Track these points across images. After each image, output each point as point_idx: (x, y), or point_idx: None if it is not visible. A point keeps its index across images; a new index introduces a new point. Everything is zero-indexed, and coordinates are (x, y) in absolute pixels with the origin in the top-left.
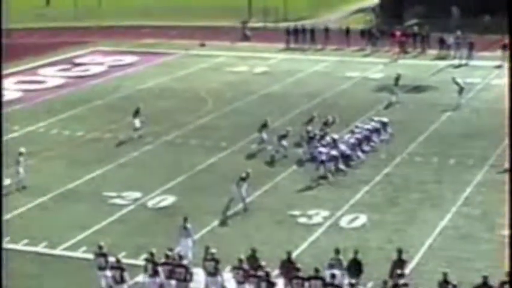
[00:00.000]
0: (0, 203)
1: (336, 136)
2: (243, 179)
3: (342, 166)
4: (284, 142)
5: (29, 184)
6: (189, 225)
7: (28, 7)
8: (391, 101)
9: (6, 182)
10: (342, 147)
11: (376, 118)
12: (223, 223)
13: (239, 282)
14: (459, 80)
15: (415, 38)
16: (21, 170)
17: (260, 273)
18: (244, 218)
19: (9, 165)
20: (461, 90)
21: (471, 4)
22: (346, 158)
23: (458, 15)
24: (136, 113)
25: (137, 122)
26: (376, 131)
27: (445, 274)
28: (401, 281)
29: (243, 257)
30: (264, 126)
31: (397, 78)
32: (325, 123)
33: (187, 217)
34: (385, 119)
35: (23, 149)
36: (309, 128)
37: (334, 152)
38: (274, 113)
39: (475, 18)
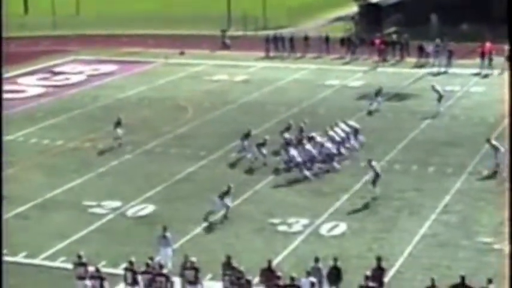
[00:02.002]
0: (0, 204)
1: (313, 134)
2: (226, 193)
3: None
4: (263, 150)
5: (8, 194)
6: (168, 234)
7: (5, 15)
8: (370, 109)
9: None
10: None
11: (350, 122)
12: (203, 232)
13: None
14: (438, 88)
15: (394, 46)
16: None
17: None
18: (224, 226)
19: None
20: (440, 98)
21: (450, 12)
22: (328, 157)
23: (437, 24)
24: (118, 124)
25: (119, 132)
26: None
27: (433, 280)
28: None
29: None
30: (247, 135)
31: (379, 91)
32: (301, 130)
33: (167, 226)
34: (357, 125)
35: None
36: (286, 135)
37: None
38: (254, 121)
39: (453, 26)
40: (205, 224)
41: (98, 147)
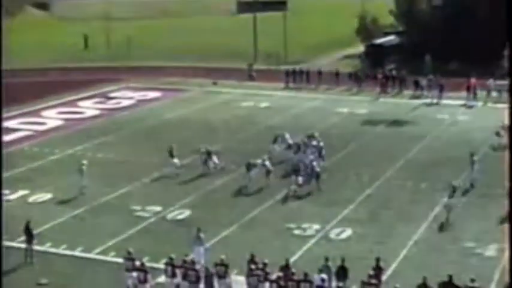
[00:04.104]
0: (0, 204)
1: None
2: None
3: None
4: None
5: (66, 197)
6: (201, 235)
7: (68, 48)
8: None
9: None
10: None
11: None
12: (231, 234)
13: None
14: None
15: (393, 80)
16: (84, 179)
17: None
18: (248, 229)
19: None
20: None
21: (441, 52)
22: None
23: (430, 62)
24: (171, 153)
25: (176, 161)
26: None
27: (424, 278)
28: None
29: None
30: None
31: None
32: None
33: (200, 228)
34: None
35: (85, 161)
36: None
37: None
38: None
39: (444, 64)
40: (233, 228)
41: (143, 160)
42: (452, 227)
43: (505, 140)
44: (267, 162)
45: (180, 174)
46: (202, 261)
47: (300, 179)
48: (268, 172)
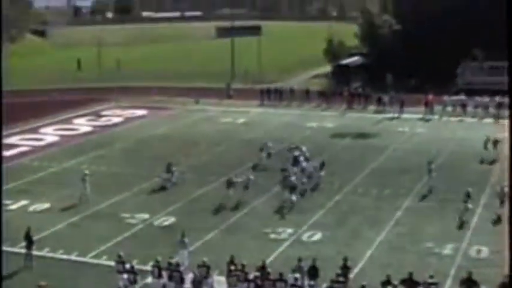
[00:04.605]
0: (0, 203)
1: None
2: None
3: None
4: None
5: (63, 207)
6: (185, 239)
7: (63, 71)
8: None
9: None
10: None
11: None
12: (212, 238)
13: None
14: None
15: (359, 97)
16: (87, 186)
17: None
18: (228, 234)
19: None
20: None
21: (401, 71)
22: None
23: (392, 80)
24: (169, 168)
25: (166, 176)
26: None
27: (388, 276)
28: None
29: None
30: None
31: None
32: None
33: (184, 233)
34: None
35: (87, 171)
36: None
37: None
38: (252, 153)
39: (404, 82)
40: (213, 233)
41: (132, 172)
42: (412, 230)
43: (492, 154)
44: (251, 177)
45: (169, 187)
46: (186, 263)
47: (294, 197)
48: (246, 187)
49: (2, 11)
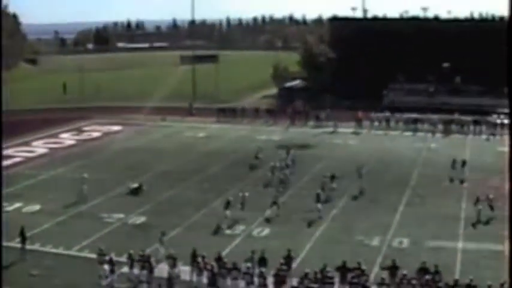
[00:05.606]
0: (0, 203)
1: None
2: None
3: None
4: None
5: (51, 208)
6: (163, 238)
7: (51, 94)
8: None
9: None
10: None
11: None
12: (177, 235)
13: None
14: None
15: (300, 114)
16: (85, 187)
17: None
18: (190, 231)
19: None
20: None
21: (336, 92)
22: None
23: (328, 99)
24: (139, 188)
25: (134, 185)
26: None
27: (325, 264)
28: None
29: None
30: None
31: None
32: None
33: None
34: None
35: (86, 175)
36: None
37: None
38: (212, 162)
39: (339, 101)
40: (178, 230)
41: (110, 179)
42: (346, 225)
43: (461, 174)
44: (246, 194)
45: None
46: (162, 251)
47: (320, 206)
48: (242, 204)
49: (2, 42)
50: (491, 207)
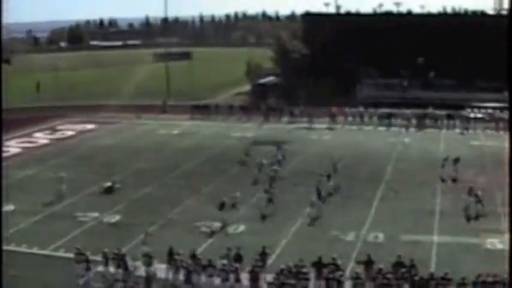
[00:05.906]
0: (0, 203)
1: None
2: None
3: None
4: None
5: (26, 208)
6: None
7: (24, 93)
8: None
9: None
10: None
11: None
12: (152, 233)
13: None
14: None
15: (274, 111)
16: (63, 187)
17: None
18: (166, 228)
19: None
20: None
21: (310, 88)
22: None
23: (302, 95)
24: (111, 187)
25: (109, 184)
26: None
27: (301, 259)
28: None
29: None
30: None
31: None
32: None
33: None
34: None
35: (64, 174)
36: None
37: None
38: (186, 159)
39: (313, 97)
40: (153, 228)
41: (84, 177)
42: (321, 221)
43: (454, 172)
44: (237, 193)
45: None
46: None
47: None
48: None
49: None
50: (480, 202)
